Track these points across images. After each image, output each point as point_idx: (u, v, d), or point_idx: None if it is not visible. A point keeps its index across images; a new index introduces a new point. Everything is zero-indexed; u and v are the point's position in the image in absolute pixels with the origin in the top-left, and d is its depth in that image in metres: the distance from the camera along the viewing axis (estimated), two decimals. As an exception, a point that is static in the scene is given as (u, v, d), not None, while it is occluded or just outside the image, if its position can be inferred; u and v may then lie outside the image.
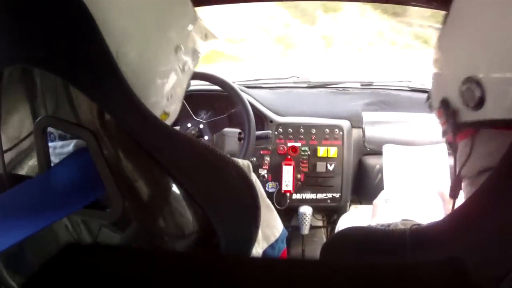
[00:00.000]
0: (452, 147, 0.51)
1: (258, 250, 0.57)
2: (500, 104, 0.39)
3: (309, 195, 1.40)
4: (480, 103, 0.40)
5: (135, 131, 0.44)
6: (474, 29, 0.42)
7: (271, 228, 0.61)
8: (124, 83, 0.42)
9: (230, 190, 0.48)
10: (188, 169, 0.46)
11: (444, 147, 0.96)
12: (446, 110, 0.46)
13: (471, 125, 0.43)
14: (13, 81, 0.47)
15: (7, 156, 0.49)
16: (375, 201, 0.93)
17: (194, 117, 1.24)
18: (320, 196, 1.40)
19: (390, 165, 1.00)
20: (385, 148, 1.03)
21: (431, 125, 1.37)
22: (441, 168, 0.95)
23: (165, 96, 0.50)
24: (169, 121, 0.53)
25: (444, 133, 0.51)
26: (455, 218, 0.40)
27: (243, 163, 0.56)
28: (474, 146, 0.46)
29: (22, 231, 0.41)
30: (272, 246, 0.59)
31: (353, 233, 0.47)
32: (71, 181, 0.45)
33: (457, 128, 0.45)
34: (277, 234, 0.61)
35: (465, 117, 0.44)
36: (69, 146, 0.47)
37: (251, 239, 0.50)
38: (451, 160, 0.75)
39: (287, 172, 1.38)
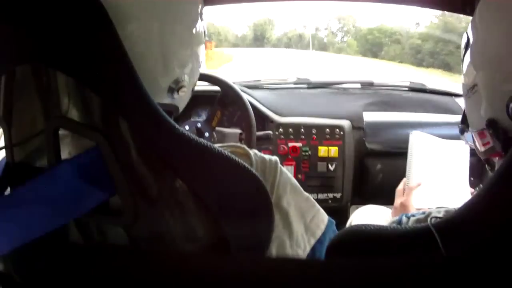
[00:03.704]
0: (490, 164, 0.54)
1: (305, 249, 0.54)
2: None
3: (310, 196, 1.40)
4: None
5: (149, 135, 0.43)
6: None
7: (316, 221, 0.56)
8: (139, 86, 0.41)
9: (245, 199, 0.47)
10: (202, 176, 0.45)
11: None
12: (495, 129, 0.48)
13: None
14: (26, 80, 0.47)
15: (17, 155, 0.48)
16: (399, 188, 0.96)
17: (193, 117, 1.23)
18: (321, 196, 1.39)
19: (417, 152, 1.00)
20: (413, 135, 1.03)
21: (431, 125, 1.37)
22: (462, 163, 0.96)
23: (201, 60, 0.56)
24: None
25: (488, 151, 0.52)
26: (481, 202, 0.40)
27: (270, 159, 0.55)
28: None
29: (32, 231, 0.41)
30: (320, 241, 0.55)
31: (364, 231, 0.46)
32: (80, 180, 0.44)
33: (508, 143, 0.46)
34: (323, 227, 0.56)
35: None
36: None
37: (262, 248, 0.49)
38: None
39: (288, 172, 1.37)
